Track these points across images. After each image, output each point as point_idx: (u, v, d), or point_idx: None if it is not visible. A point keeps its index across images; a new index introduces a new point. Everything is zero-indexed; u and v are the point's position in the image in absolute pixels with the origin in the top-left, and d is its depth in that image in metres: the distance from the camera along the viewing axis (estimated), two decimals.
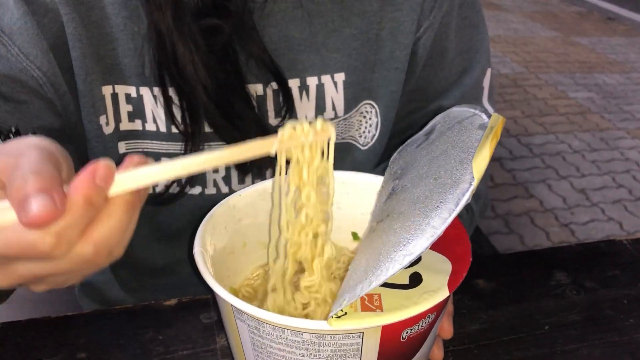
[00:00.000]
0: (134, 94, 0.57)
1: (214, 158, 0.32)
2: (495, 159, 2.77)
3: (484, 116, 0.37)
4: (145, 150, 0.60)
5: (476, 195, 0.70)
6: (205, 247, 0.41)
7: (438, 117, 0.44)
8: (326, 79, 0.60)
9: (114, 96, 0.57)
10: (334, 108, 0.61)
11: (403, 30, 0.62)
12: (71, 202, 0.29)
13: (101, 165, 0.30)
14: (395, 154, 0.48)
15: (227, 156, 0.33)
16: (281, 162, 0.38)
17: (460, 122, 0.39)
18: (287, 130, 0.37)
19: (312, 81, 0.60)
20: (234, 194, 0.46)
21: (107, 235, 0.31)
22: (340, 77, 0.61)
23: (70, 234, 0.30)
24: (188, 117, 0.55)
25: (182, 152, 0.58)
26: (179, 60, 0.51)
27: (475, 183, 0.32)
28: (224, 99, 0.53)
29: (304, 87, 0.60)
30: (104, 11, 0.54)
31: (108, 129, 0.58)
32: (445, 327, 0.44)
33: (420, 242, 0.32)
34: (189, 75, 0.50)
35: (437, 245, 0.40)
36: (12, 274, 0.31)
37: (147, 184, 0.32)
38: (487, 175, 0.75)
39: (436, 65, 0.67)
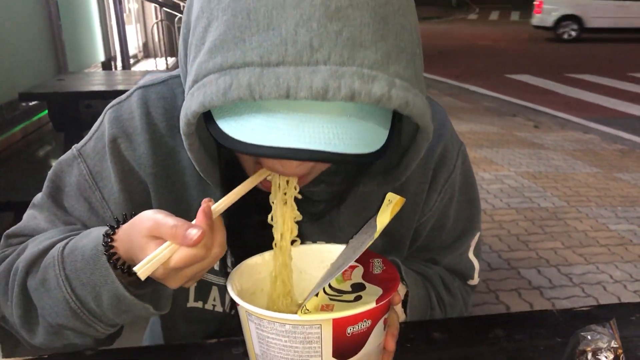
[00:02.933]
0: None
1: (245, 186, 0.64)
2: (535, 288, 2.88)
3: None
4: (202, 278, 0.83)
5: (452, 293, 0.92)
6: (234, 283, 0.66)
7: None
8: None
9: None
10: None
11: (407, 218, 0.84)
12: (202, 228, 0.59)
13: (206, 207, 0.60)
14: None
15: (248, 185, 0.65)
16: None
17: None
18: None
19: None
20: (257, 255, 0.72)
21: (222, 238, 0.62)
22: None
23: (208, 244, 0.59)
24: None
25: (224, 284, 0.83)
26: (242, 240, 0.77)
27: (375, 235, 0.57)
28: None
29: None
30: (185, 185, 0.79)
31: None
32: (389, 343, 0.65)
33: (345, 265, 0.56)
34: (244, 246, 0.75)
35: (377, 282, 0.64)
36: (181, 277, 0.61)
37: (224, 208, 0.63)
38: (469, 299, 0.96)
39: (435, 234, 0.90)
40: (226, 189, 0.74)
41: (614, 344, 0.55)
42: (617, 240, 3.40)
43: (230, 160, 0.73)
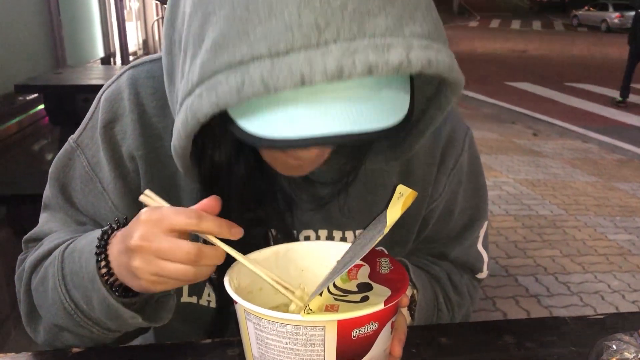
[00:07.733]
0: None
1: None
2: (532, 295, 2.85)
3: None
4: None
5: (460, 292, 0.88)
6: (232, 280, 0.62)
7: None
8: (349, 234, 0.81)
9: None
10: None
11: (416, 204, 0.78)
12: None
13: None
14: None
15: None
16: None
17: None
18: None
19: (337, 234, 0.80)
20: (256, 251, 0.68)
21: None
22: (358, 232, 0.80)
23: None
24: None
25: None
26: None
27: (385, 230, 0.53)
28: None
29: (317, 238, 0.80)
30: (176, 170, 0.75)
31: None
32: (396, 348, 0.62)
33: (352, 261, 0.52)
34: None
35: (385, 282, 0.60)
36: (153, 265, 0.57)
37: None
38: (476, 294, 0.93)
39: (443, 222, 0.86)
40: (207, 186, 0.70)
41: None
42: (615, 250, 3.38)
43: (215, 161, 0.70)
